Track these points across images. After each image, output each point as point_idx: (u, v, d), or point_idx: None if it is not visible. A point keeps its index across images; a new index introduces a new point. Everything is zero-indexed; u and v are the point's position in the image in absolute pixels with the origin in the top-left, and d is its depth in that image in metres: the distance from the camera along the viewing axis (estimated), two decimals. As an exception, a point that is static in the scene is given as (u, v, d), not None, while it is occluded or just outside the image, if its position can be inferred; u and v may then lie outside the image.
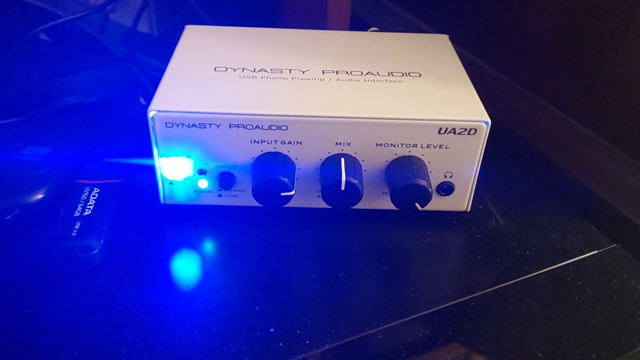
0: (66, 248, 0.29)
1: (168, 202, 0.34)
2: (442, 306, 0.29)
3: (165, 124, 0.30)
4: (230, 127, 0.31)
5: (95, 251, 0.30)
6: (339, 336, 0.27)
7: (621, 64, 0.37)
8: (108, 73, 0.52)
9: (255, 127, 0.31)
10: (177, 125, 0.31)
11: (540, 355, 0.27)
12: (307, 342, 0.27)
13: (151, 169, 0.33)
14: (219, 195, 0.33)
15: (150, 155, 0.32)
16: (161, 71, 0.52)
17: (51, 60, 0.54)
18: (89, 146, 0.38)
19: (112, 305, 0.28)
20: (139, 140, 0.35)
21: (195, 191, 0.33)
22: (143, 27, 0.66)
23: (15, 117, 0.44)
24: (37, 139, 0.38)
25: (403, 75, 0.35)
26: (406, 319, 0.29)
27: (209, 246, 0.33)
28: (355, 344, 0.27)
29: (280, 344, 0.27)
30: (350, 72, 0.35)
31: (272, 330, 0.28)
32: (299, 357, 0.26)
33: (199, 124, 0.31)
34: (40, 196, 0.33)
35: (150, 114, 0.30)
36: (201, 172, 0.32)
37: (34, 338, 0.27)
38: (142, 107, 0.46)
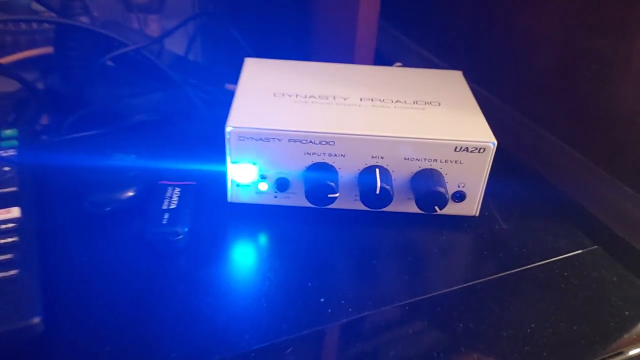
0: (159, 233, 0.37)
1: (234, 200, 0.42)
2: (455, 287, 0.37)
3: (239, 137, 0.39)
4: (289, 141, 0.39)
5: (181, 236, 0.37)
6: (374, 306, 0.35)
7: (608, 97, 0.45)
8: (166, 95, 0.61)
9: (309, 142, 0.39)
10: (247, 139, 0.39)
11: (533, 326, 0.34)
12: (350, 309, 0.34)
13: (216, 173, 0.41)
14: (275, 197, 0.41)
15: (209, 162, 0.41)
16: (209, 94, 0.60)
17: (115, 82, 0.63)
18: (163, 154, 0.46)
19: (195, 278, 0.36)
20: (197, 151, 0.44)
21: (256, 192, 0.41)
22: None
23: (95, 130, 0.52)
24: (119, 148, 0.46)
25: (425, 103, 0.43)
26: (427, 296, 0.36)
27: (267, 237, 0.40)
28: (387, 313, 0.35)
29: (329, 310, 0.34)
30: (383, 100, 0.43)
31: (322, 300, 0.35)
32: (343, 320, 0.34)
33: (264, 138, 0.39)
34: (131, 193, 0.41)
35: (228, 129, 0.38)
36: (262, 177, 0.40)
37: (134, 304, 0.34)
38: (198, 124, 0.55)
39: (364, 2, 0.60)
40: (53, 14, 0.64)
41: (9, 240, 0.33)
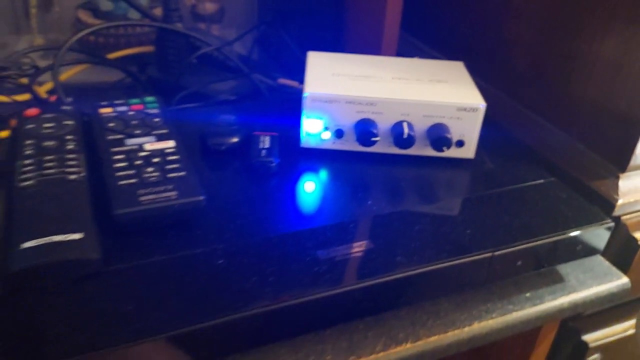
0: (261, 161, 0.56)
1: (305, 145, 0.61)
2: (458, 198, 0.56)
3: (312, 100, 0.58)
4: (345, 102, 0.58)
5: (274, 164, 0.56)
6: (395, 208, 0.53)
7: (568, 82, 0.64)
8: (239, 82, 0.80)
9: (358, 103, 0.58)
10: (317, 101, 0.58)
11: (506, 219, 0.53)
12: (388, 207, 0.53)
13: (285, 129, 0.60)
14: (334, 143, 0.60)
15: (279, 122, 0.61)
16: (266, 84, 0.80)
17: (199, 72, 0.82)
18: (248, 117, 0.65)
19: (286, 189, 0.55)
20: (270, 115, 0.63)
21: (321, 140, 0.60)
22: (243, 50, 0.93)
23: (194, 104, 0.72)
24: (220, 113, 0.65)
25: (437, 81, 0.62)
26: (437, 203, 0.55)
27: (328, 169, 0.59)
28: (405, 212, 0.53)
29: (374, 208, 0.53)
30: (407, 79, 0.62)
31: (369, 202, 0.54)
32: (384, 212, 0.53)
33: (329, 100, 0.58)
34: (236, 139, 0.60)
35: (305, 94, 0.58)
36: (326, 128, 0.59)
37: (247, 202, 0.53)
38: (264, 102, 0.74)
39: (388, 17, 0.79)
40: (147, 20, 0.84)
41: (175, 157, 0.52)
